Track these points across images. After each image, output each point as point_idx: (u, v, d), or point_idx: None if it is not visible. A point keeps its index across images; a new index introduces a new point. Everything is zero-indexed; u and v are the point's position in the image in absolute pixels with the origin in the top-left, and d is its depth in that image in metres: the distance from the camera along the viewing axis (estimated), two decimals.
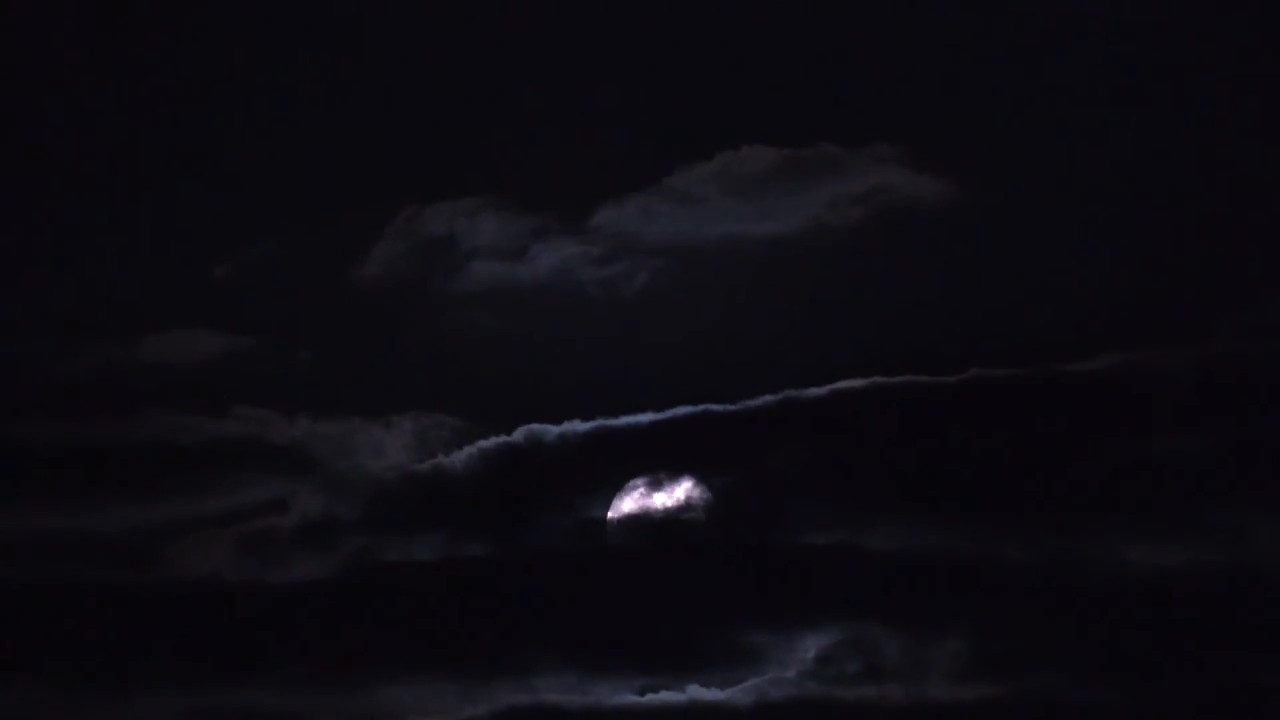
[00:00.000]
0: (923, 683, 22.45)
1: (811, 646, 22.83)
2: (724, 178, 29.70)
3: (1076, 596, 22.77)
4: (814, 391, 24.45)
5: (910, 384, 24.44)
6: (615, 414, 24.86)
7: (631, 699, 22.44)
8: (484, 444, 25.10)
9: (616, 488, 24.58)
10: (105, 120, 30.32)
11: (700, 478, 24.31)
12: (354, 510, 24.75)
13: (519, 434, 24.98)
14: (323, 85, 30.69)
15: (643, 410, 24.80)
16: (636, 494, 24.47)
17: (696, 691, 22.29)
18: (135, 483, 25.06)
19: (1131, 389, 24.22)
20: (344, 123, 30.80)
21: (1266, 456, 23.37)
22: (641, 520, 24.29)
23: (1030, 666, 22.26)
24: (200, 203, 29.59)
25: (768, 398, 24.49)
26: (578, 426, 24.82)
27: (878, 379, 24.45)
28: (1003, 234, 28.49)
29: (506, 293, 28.93)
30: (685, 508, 24.16)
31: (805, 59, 30.94)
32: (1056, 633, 22.50)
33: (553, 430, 24.84)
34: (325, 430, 26.02)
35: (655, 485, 24.40)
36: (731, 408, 24.60)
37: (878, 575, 23.08)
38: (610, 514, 24.49)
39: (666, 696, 22.32)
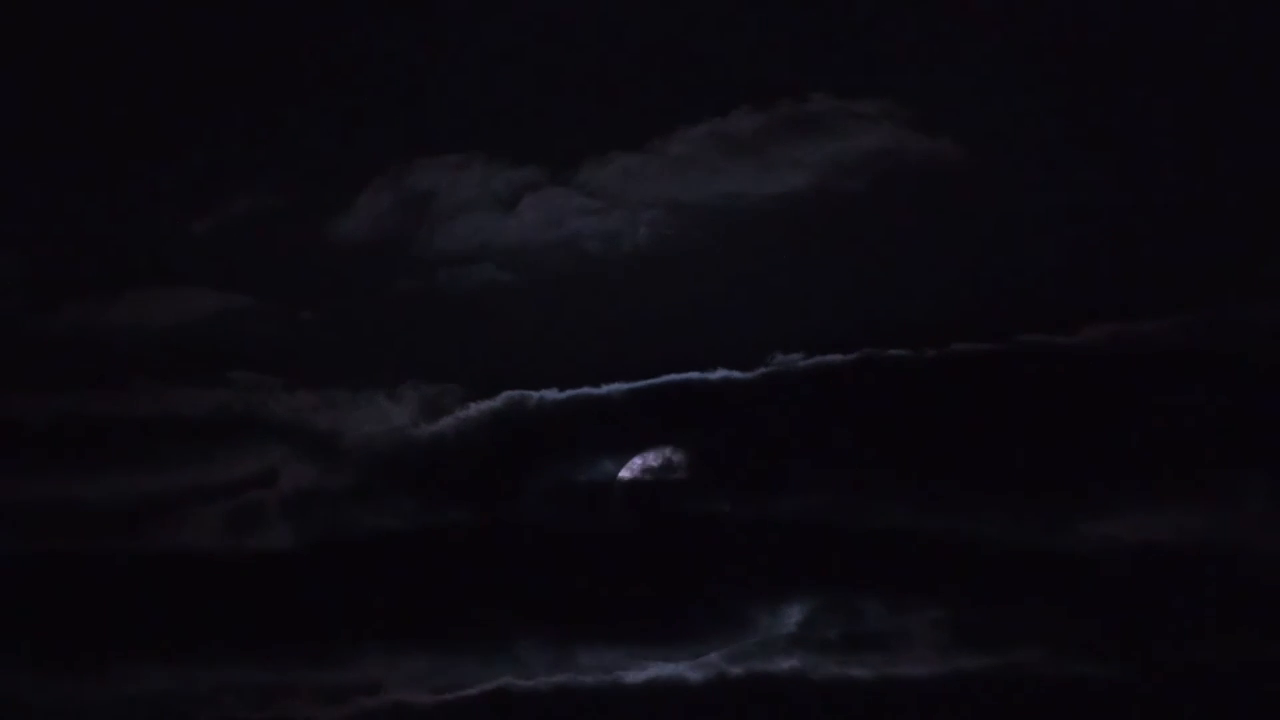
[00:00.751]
0: (903, 656, 22.39)
1: (793, 617, 22.80)
2: (718, 137, 29.13)
3: (1060, 570, 22.64)
4: (800, 364, 24.16)
5: (896, 357, 24.06)
6: (605, 377, 24.57)
7: (618, 676, 22.39)
8: (467, 411, 24.79)
9: (599, 455, 24.32)
10: (81, 76, 29.51)
11: (683, 446, 24.02)
12: (340, 478, 24.45)
13: (502, 399, 24.68)
14: (306, 38, 29.90)
15: (633, 373, 24.55)
16: (620, 462, 24.21)
17: (674, 669, 22.28)
18: (119, 451, 24.82)
19: (1118, 361, 23.85)
20: (328, 76, 29.96)
21: (1252, 429, 23.07)
22: (624, 489, 24.03)
23: (1011, 641, 22.20)
24: (179, 157, 29.07)
25: (752, 372, 24.26)
26: (558, 394, 24.51)
27: (867, 350, 24.08)
28: (995, 198, 27.94)
29: (499, 249, 28.54)
30: (667, 476, 23.88)
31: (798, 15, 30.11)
32: (1038, 607, 22.37)
33: (535, 396, 24.55)
34: (312, 397, 25.71)
35: (637, 453, 24.13)
36: (714, 376, 24.28)
37: (859, 547, 22.99)
38: (593, 481, 24.26)
39: (651, 672, 22.34)
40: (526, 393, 24.58)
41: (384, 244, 28.66)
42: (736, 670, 22.41)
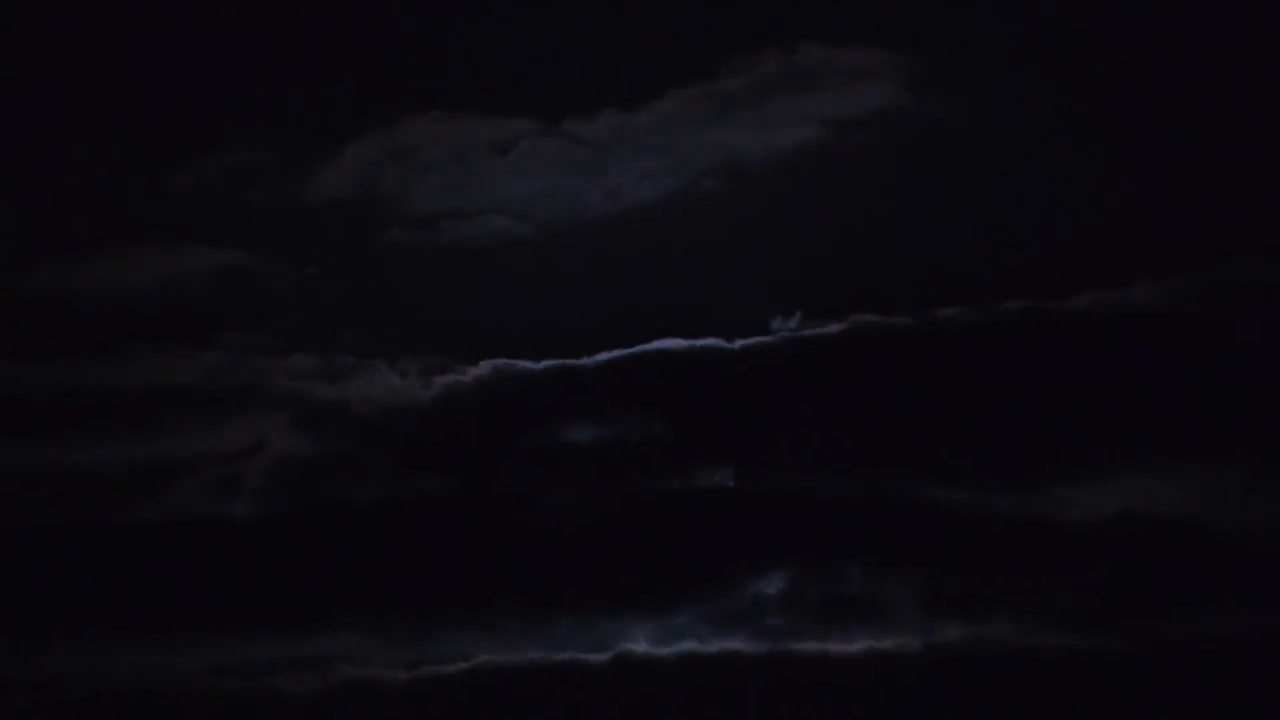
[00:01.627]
0: (883, 626, 22.35)
1: (768, 588, 22.71)
2: (712, 95, 28.48)
3: (1043, 539, 22.54)
4: (783, 334, 24.04)
5: (879, 327, 23.83)
6: (596, 342, 24.39)
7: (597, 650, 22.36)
8: (451, 378, 24.56)
9: (580, 424, 24.10)
10: (63, 30, 28.63)
11: (664, 415, 23.79)
12: (327, 447, 24.24)
13: (486, 368, 24.46)
14: None
15: (627, 336, 24.38)
16: (601, 431, 24.01)
17: (655, 644, 22.31)
18: (99, 416, 24.58)
19: (1104, 327, 23.58)
20: (313, 27, 29.10)
21: (1234, 397, 22.83)
22: (604, 457, 23.82)
23: (988, 612, 22.13)
24: (165, 109, 28.33)
25: (735, 342, 24.10)
26: (537, 365, 24.32)
27: (853, 320, 23.83)
28: (985, 156, 27.40)
29: (495, 203, 28.04)
30: (648, 445, 23.67)
31: None
32: (1018, 576, 22.25)
33: (517, 365, 24.32)
34: (307, 360, 25.49)
35: (618, 422, 23.88)
36: (699, 344, 24.04)
37: (842, 517, 22.81)
38: (575, 450, 24.02)
39: (630, 647, 22.30)
40: (511, 361, 24.42)
41: (376, 199, 28.14)
42: (721, 641, 22.43)
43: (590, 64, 28.37)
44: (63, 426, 24.29)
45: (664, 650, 22.21)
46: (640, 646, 22.26)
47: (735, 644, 22.23)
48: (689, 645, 22.14)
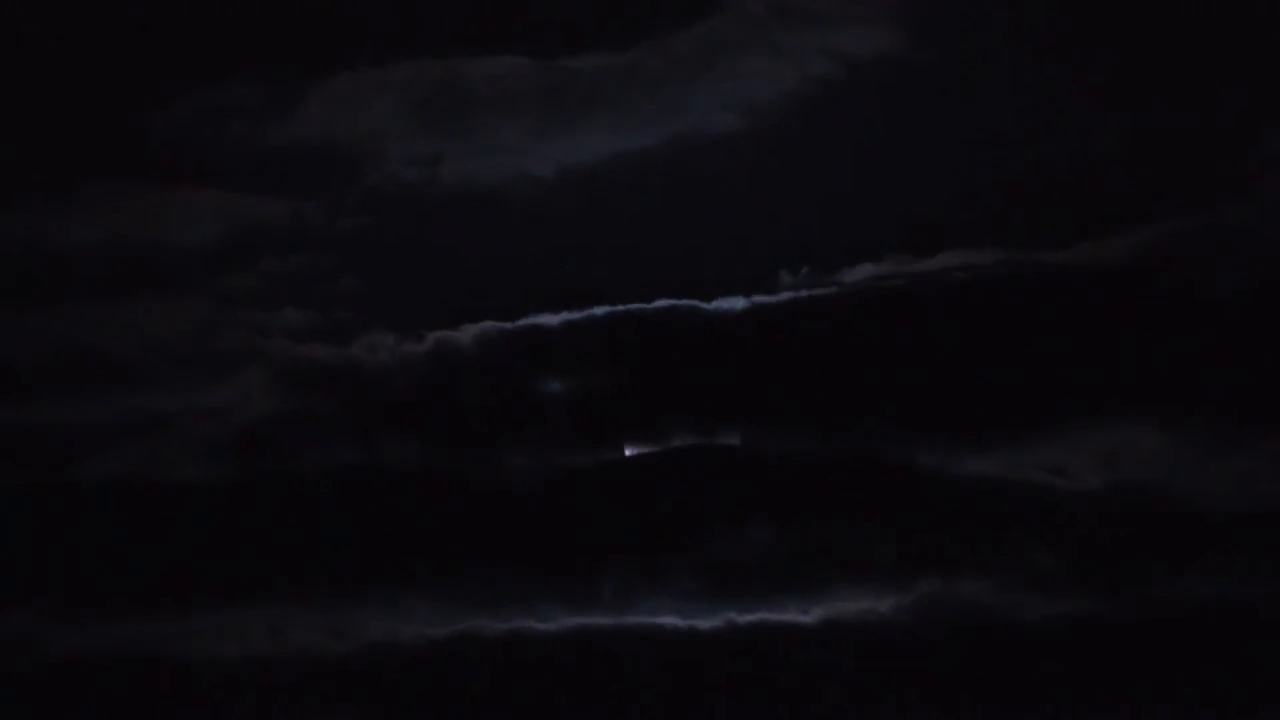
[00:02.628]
0: (844, 590, 21.85)
1: (750, 549, 22.11)
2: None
3: (1024, 504, 22.11)
4: (763, 300, 23.55)
5: (863, 286, 23.63)
6: (582, 295, 23.72)
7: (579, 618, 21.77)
8: (426, 344, 23.85)
9: (546, 382, 23.48)
10: None
11: (635, 376, 23.22)
12: (299, 407, 23.28)
13: (476, 327, 23.78)
14: None
15: (610, 294, 23.73)
16: (573, 394, 23.38)
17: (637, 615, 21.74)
18: (74, 373, 23.63)
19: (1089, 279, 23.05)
20: None
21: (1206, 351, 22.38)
22: (577, 421, 23.12)
23: (966, 574, 21.68)
24: (135, 45, 27.01)
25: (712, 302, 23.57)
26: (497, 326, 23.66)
27: (839, 278, 23.66)
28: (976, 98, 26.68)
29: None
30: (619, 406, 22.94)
31: None
32: (995, 540, 21.82)
33: (485, 328, 23.68)
34: (283, 318, 24.66)
35: (588, 380, 23.18)
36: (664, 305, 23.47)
37: (818, 477, 22.38)
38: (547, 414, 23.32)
39: (615, 617, 21.80)
40: (499, 324, 23.66)
41: (364, 140, 27.03)
42: (689, 604, 21.95)
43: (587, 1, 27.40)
44: (29, 382, 23.35)
45: (630, 619, 21.76)
46: (627, 617, 21.74)
47: (705, 606, 21.84)
48: (664, 611, 21.73)
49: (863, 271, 24.03)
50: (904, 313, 23.12)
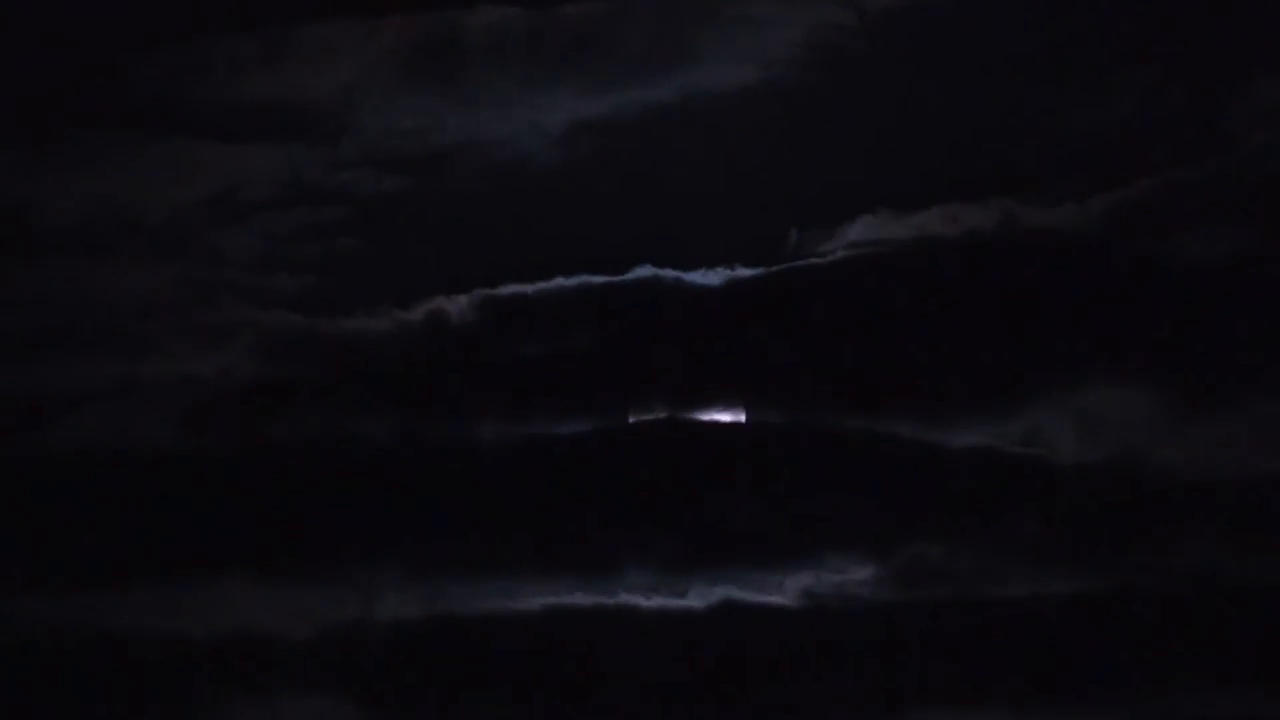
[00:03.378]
0: (826, 560, 21.43)
1: (717, 521, 21.60)
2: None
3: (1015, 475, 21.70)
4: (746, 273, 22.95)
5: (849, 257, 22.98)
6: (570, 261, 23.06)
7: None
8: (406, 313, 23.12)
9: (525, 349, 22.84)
10: None
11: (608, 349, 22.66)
12: (283, 374, 22.62)
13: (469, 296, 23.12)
14: None
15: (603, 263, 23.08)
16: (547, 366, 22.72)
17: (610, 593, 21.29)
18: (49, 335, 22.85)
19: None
20: None
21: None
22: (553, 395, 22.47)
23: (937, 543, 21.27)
24: None
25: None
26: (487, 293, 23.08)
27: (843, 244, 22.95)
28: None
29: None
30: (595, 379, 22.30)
31: None
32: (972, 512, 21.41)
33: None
34: (270, 283, 23.87)
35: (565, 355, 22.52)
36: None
37: (795, 450, 21.95)
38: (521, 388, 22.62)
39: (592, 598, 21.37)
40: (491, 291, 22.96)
41: (352, 95, 26.05)
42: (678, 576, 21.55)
43: None
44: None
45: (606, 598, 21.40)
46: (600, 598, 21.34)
47: (685, 578, 21.48)
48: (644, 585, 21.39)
49: (866, 225, 23.47)
50: (883, 284, 22.67)
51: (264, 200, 25.36)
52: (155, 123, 25.62)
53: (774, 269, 22.93)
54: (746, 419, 22.47)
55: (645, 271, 22.84)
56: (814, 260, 22.99)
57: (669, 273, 22.92)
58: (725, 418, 22.51)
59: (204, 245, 24.76)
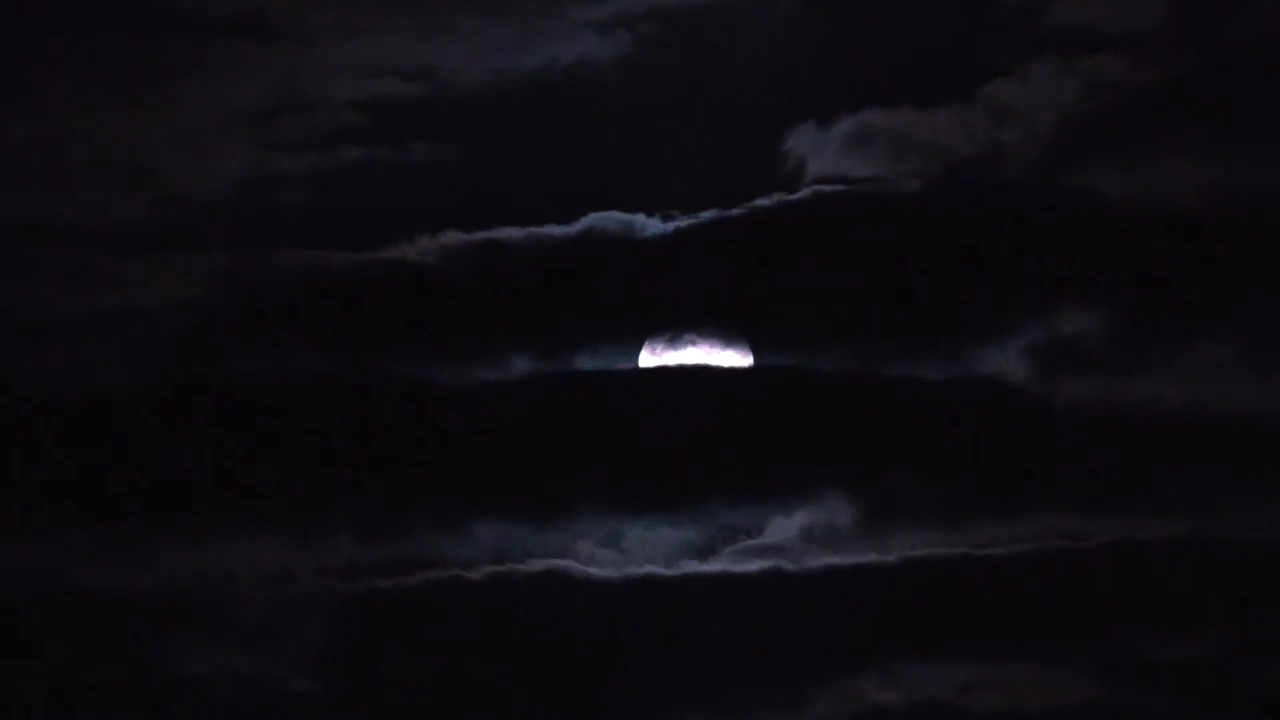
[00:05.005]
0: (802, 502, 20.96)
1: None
2: None
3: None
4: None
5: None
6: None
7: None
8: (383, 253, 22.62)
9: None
10: None
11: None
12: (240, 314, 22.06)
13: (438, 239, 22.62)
14: None
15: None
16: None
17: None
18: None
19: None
20: None
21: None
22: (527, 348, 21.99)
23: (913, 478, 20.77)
24: None
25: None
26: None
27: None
28: None
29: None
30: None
31: None
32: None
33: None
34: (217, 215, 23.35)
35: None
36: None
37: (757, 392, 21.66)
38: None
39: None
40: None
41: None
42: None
43: None
44: None
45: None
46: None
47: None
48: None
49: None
50: (848, 221, 22.24)
51: (235, 140, 24.83)
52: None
53: (736, 211, 22.52)
54: (712, 360, 21.90)
55: (599, 217, 22.45)
56: (781, 200, 22.47)
57: (621, 215, 22.55)
58: (690, 359, 21.98)
59: (164, 176, 24.17)
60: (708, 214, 22.34)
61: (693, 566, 21.06)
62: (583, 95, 24.79)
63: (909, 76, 23.79)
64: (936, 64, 24.11)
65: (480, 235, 22.56)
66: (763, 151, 23.46)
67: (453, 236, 22.60)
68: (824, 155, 23.04)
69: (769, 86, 24.54)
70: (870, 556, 20.71)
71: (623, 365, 22.10)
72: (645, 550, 21.18)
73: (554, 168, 24.38)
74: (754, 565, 20.86)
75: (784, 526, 21.11)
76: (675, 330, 21.95)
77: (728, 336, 21.94)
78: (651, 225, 22.45)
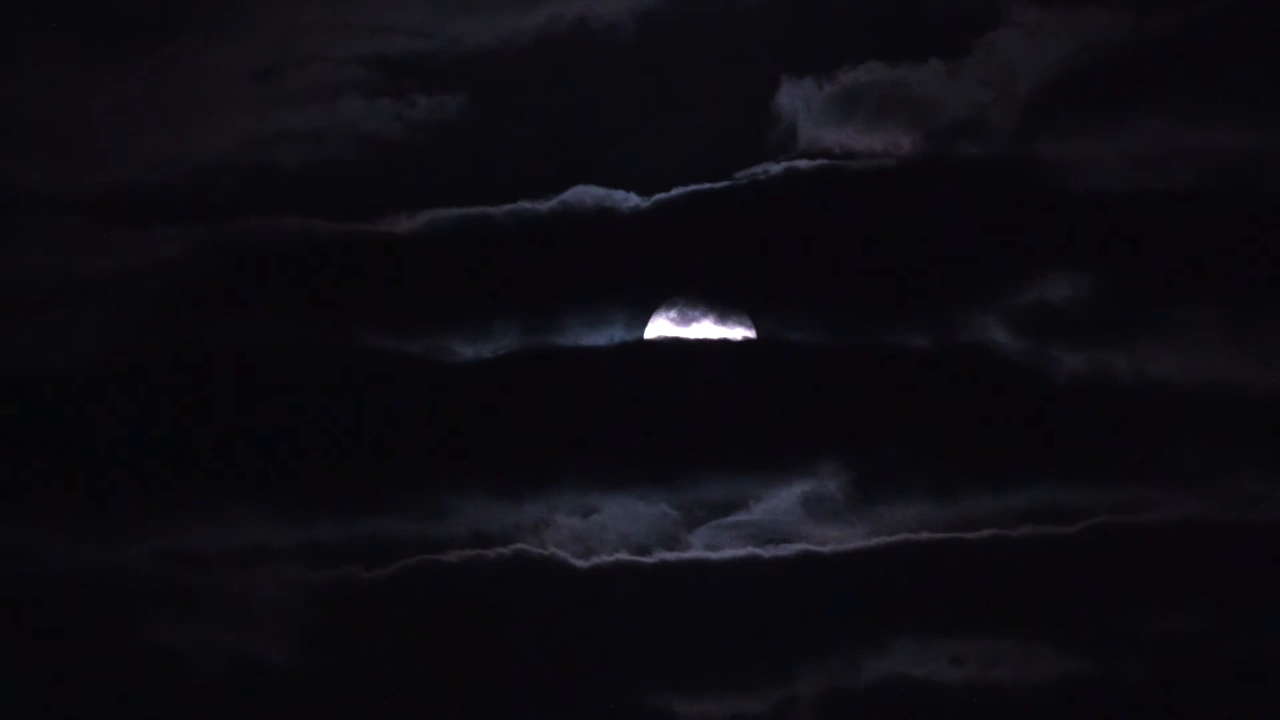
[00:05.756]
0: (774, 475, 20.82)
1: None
2: None
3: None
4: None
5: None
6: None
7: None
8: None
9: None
10: None
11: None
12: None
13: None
14: None
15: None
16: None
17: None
18: None
19: None
20: None
21: None
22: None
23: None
24: None
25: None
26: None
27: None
28: None
29: None
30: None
31: None
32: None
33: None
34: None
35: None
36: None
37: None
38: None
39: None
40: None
41: None
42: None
43: None
44: None
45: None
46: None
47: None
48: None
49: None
50: (832, 191, 22.02)
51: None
52: None
53: (719, 184, 22.33)
54: (695, 334, 21.65)
55: (580, 190, 22.17)
56: (766, 171, 22.18)
57: (600, 190, 22.28)
58: (673, 333, 21.80)
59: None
60: (688, 188, 22.11)
61: (675, 542, 20.90)
62: (590, 51, 24.37)
63: (900, 32, 23.23)
64: (928, 19, 23.51)
65: (466, 210, 22.31)
66: (756, 110, 23.13)
67: (439, 212, 22.33)
68: (815, 114, 22.65)
69: (764, 43, 24.01)
70: (858, 530, 20.59)
71: (606, 339, 21.81)
72: (626, 526, 20.97)
73: (547, 132, 23.93)
74: (737, 540, 20.69)
75: (769, 499, 20.89)
76: (660, 303, 21.68)
77: (711, 309, 21.64)
78: (631, 199, 22.14)
